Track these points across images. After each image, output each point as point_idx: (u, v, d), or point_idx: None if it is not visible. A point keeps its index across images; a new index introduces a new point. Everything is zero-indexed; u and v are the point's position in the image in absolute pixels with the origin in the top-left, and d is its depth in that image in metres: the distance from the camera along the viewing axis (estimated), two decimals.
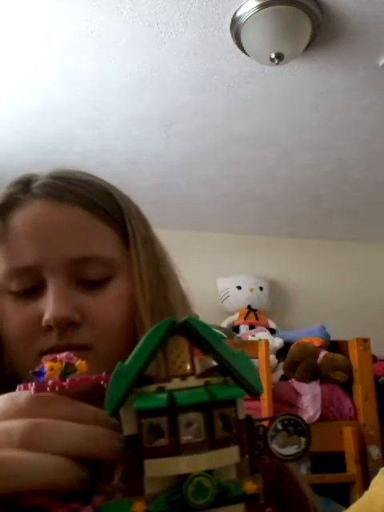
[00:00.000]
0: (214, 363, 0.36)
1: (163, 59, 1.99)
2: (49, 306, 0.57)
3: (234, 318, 3.21)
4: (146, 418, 0.32)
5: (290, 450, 0.34)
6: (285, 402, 2.35)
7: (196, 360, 0.35)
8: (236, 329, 3.16)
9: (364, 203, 3.16)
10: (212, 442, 0.32)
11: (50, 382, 0.36)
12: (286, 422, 0.35)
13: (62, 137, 2.44)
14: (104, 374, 0.36)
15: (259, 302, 3.26)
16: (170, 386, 0.33)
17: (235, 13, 1.79)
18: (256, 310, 3.22)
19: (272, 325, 3.19)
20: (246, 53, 1.94)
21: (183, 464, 0.31)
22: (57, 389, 0.35)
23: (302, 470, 2.22)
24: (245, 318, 3.17)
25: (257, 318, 3.18)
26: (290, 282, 3.47)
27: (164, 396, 0.32)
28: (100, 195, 0.65)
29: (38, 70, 2.03)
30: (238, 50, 1.94)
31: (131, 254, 0.63)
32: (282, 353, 2.74)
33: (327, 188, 2.97)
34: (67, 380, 0.36)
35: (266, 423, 0.35)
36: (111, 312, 0.60)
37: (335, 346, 2.72)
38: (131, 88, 2.15)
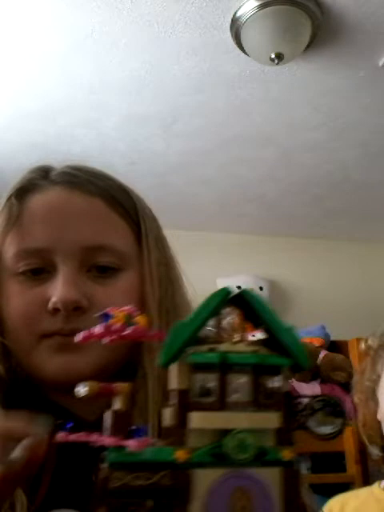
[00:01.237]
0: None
1: (163, 59, 1.99)
2: (58, 289, 0.57)
3: None
4: (198, 372, 0.33)
5: (326, 430, 0.36)
6: None
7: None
8: None
9: (364, 203, 3.15)
10: (256, 404, 0.33)
11: (114, 327, 0.38)
12: (324, 402, 0.36)
13: (62, 137, 2.44)
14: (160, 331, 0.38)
15: None
16: (221, 347, 0.35)
17: (235, 13, 1.79)
18: None
19: None
20: (245, 53, 1.94)
21: (227, 419, 0.33)
22: (119, 335, 0.37)
23: (302, 470, 2.22)
24: None
25: None
26: (290, 281, 3.47)
27: (216, 355, 0.34)
28: (118, 191, 0.67)
29: (38, 70, 2.03)
30: (238, 50, 1.94)
31: (143, 251, 0.64)
32: None
33: (327, 188, 2.96)
34: (129, 329, 0.38)
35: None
36: (119, 303, 0.60)
37: (335, 346, 2.72)
38: (131, 88, 2.15)
